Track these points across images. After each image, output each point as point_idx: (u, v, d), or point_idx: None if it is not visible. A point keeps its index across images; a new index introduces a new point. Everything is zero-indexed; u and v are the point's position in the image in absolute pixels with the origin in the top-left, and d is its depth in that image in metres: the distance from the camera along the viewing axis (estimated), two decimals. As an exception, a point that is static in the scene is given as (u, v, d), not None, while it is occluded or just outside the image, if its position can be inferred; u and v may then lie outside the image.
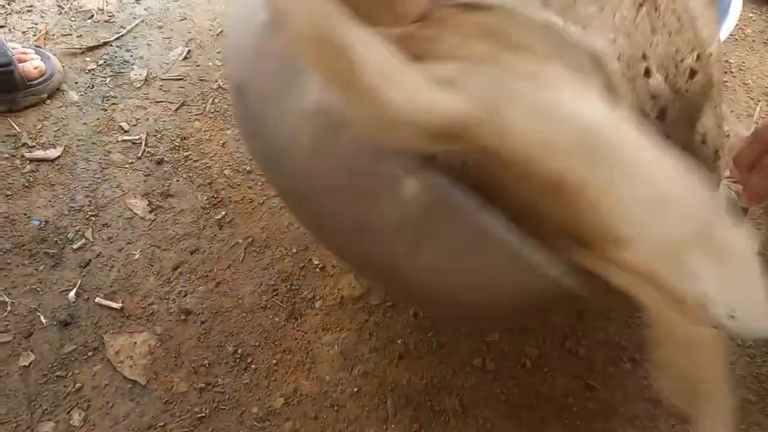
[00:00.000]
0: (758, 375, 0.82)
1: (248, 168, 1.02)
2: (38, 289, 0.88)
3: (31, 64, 1.06)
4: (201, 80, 1.14)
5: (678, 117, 0.59)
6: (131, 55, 1.17)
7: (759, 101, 1.16)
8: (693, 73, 0.60)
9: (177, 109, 1.09)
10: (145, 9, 1.25)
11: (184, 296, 0.88)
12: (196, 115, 1.09)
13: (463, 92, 0.39)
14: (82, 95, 1.10)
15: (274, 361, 0.83)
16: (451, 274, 0.46)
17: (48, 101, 1.09)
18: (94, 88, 1.12)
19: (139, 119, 1.08)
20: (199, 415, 0.79)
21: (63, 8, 1.24)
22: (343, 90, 0.38)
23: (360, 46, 0.38)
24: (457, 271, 0.46)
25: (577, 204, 0.42)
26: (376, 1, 0.45)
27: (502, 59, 0.44)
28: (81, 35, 1.19)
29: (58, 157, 1.02)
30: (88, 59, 1.16)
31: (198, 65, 1.17)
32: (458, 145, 0.40)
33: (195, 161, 1.03)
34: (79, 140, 1.04)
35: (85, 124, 1.07)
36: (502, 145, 0.40)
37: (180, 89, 1.12)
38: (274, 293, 0.89)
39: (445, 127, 0.39)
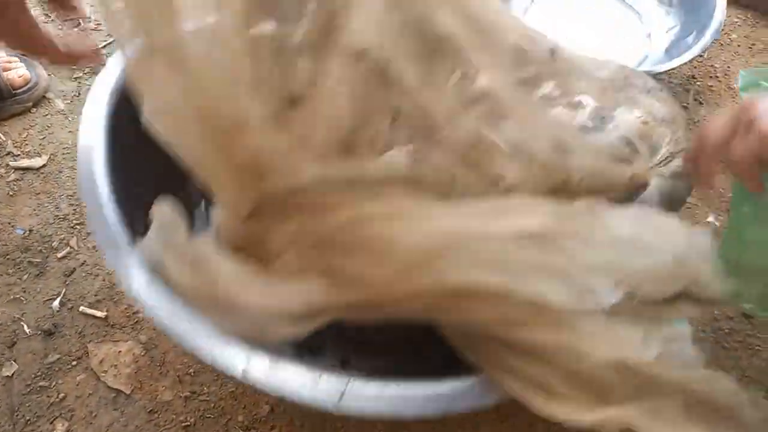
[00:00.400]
0: (743, 378, 0.82)
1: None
2: (22, 298, 0.87)
3: (16, 73, 1.06)
4: (188, 88, 1.14)
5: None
6: (118, 63, 1.17)
7: (744, 105, 1.16)
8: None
9: (163, 117, 1.09)
10: (132, 17, 1.25)
11: (170, 304, 0.88)
12: (183, 122, 1.09)
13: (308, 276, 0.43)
14: (68, 103, 1.10)
15: (260, 369, 0.83)
16: None
17: (33, 109, 1.08)
18: (80, 96, 1.11)
19: (125, 127, 1.07)
20: (184, 424, 0.78)
21: (49, 17, 1.23)
22: (209, 307, 0.44)
23: (216, 263, 0.43)
24: None
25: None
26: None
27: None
28: (67, 43, 1.19)
29: (44, 165, 1.01)
30: (74, 67, 1.15)
31: (185, 73, 1.16)
32: (324, 318, 0.44)
33: (181, 169, 1.02)
34: (64, 148, 1.04)
35: (70, 132, 1.06)
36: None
37: (166, 97, 1.12)
38: (261, 300, 0.88)
39: (309, 306, 0.43)
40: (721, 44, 1.28)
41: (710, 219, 0.98)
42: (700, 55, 1.15)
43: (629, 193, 0.57)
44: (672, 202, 0.61)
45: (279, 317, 0.42)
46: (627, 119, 0.58)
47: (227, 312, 0.43)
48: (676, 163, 0.59)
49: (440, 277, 0.43)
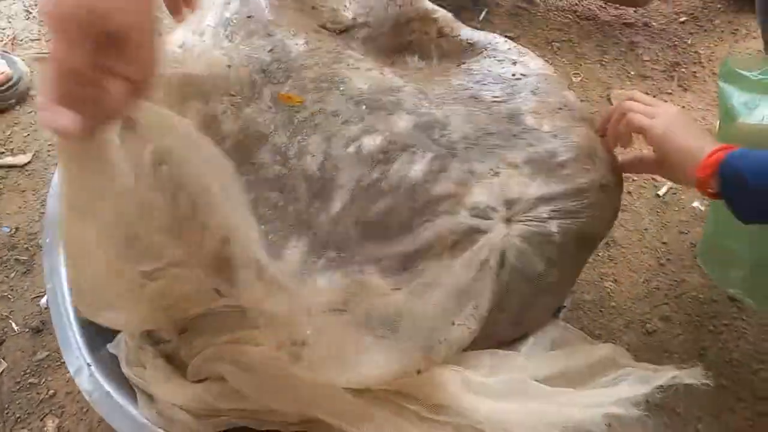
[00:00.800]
0: (731, 360, 0.83)
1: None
2: (9, 296, 0.87)
3: (-2, 70, 1.05)
4: (173, 82, 1.13)
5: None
6: (101, 59, 1.16)
7: (728, 90, 1.17)
8: None
9: (149, 112, 1.09)
10: (114, 12, 1.24)
11: (159, 299, 0.88)
12: (168, 117, 1.08)
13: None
14: (51, 100, 1.09)
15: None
16: None
17: (17, 107, 1.07)
18: (64, 93, 1.10)
19: (110, 123, 1.07)
20: (175, 418, 0.78)
21: (31, 13, 1.22)
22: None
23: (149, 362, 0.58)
24: None
25: None
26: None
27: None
28: (50, 39, 1.18)
29: (28, 162, 1.01)
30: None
31: (169, 67, 1.16)
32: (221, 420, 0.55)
33: (168, 163, 1.02)
34: (49, 145, 1.03)
35: (55, 129, 1.05)
36: None
37: (151, 92, 1.12)
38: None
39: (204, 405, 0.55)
40: (705, 30, 1.29)
41: (695, 204, 0.99)
42: (684, 41, 1.15)
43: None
44: (584, 240, 0.59)
45: (182, 410, 0.55)
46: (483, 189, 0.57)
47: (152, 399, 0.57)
48: (559, 206, 0.57)
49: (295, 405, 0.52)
